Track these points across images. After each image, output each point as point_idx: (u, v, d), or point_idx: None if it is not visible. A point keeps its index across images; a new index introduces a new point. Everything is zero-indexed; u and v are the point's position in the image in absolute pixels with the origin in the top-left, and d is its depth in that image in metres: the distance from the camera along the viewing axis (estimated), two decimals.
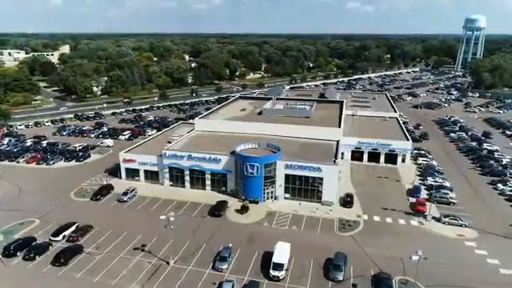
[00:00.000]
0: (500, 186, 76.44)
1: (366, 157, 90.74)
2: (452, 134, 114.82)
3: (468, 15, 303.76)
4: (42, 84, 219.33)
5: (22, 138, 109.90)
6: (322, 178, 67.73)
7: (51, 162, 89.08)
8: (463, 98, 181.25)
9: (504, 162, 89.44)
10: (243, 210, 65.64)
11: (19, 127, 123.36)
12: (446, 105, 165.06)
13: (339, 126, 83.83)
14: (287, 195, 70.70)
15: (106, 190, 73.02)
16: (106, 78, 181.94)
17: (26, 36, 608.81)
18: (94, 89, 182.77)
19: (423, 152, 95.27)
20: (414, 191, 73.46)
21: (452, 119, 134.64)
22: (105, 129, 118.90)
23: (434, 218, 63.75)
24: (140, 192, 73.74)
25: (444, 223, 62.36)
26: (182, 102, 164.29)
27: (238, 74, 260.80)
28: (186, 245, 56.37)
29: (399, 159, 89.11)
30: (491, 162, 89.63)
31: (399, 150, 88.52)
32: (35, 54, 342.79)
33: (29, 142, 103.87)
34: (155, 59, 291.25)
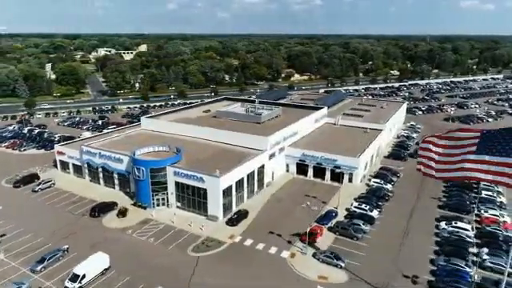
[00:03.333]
0: (442, 224, 60.50)
1: (310, 171, 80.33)
2: None
3: None
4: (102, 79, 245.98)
5: (29, 125, 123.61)
6: (206, 190, 62.10)
7: (22, 149, 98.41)
8: None
9: (483, 195, 70.77)
10: (120, 214, 63.66)
11: (38, 116, 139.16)
12: (490, 119, 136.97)
13: (269, 135, 75.45)
14: (179, 204, 66.46)
15: (29, 178, 77.81)
16: (141, 75, 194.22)
17: (142, 36, 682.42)
18: (136, 85, 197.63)
19: (385, 172, 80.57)
20: (323, 217, 62.70)
21: None
22: (99, 122, 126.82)
23: (317, 250, 53.51)
24: (59, 184, 76.78)
25: (318, 259, 51.85)
26: (197, 100, 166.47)
27: (283, 75, 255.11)
28: (36, 241, 56.92)
29: (346, 177, 76.92)
30: (466, 193, 71.69)
31: (345, 168, 76.30)
32: (116, 52, 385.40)
33: (26, 130, 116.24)
34: (218, 58, 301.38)
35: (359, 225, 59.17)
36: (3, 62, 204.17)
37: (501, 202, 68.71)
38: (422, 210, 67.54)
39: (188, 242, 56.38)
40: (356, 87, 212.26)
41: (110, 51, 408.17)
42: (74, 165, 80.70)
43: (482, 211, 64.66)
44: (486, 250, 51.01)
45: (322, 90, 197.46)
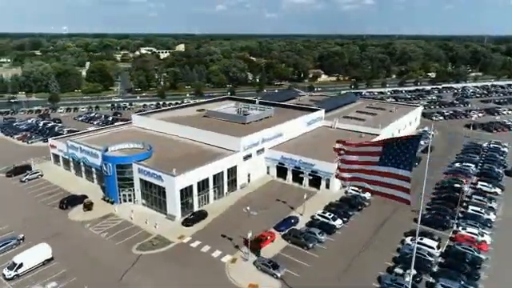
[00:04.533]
0: (407, 240, 55.88)
1: (290, 175, 77.70)
2: (457, 165, 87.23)
3: None
4: None
5: (47, 119, 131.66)
6: (165, 188, 62.19)
7: (29, 141, 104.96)
8: None
9: (469, 210, 64.27)
10: (85, 207, 65.50)
11: (59, 110, 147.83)
12: None
13: (241, 136, 73.93)
14: (144, 201, 67.17)
15: (21, 169, 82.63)
16: (164, 74, 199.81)
17: (192, 36, 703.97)
18: (161, 83, 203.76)
19: None
20: (282, 223, 60.28)
21: (491, 146, 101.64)
22: (110, 118, 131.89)
23: (258, 257, 51.50)
24: (46, 176, 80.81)
25: (257, 267, 49.87)
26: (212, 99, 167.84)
27: (311, 75, 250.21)
28: (1, 228, 60.16)
29: (323, 183, 73.48)
30: (451, 207, 65.37)
31: (322, 173, 72.81)
32: (157, 50, 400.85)
33: (41, 123, 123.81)
34: (252, 58, 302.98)
35: (314, 234, 56.12)
36: (43, 60, 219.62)
37: (487, 219, 61.88)
38: (394, 222, 62.70)
39: (137, 240, 56.70)
40: (382, 89, 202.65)
41: (150, 50, 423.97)
42: (63, 158, 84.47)
43: (460, 228, 58.67)
44: (414, 271, 45.97)
45: (343, 92, 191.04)
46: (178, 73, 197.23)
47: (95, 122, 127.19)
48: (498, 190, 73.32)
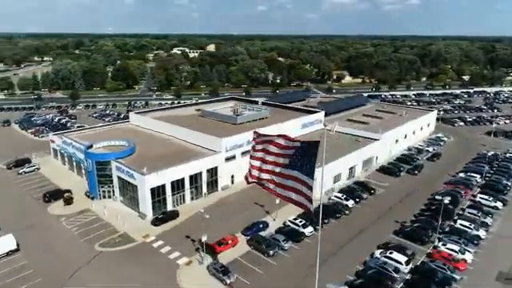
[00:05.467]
0: (377, 253, 52.09)
1: None
2: (461, 175, 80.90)
3: None
4: None
5: (64, 115, 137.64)
6: (137, 187, 62.43)
7: (40, 135, 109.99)
8: None
9: (457, 225, 59.14)
10: (65, 202, 67.15)
11: (78, 107, 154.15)
12: None
13: (222, 137, 72.72)
14: (121, 198, 67.86)
15: (21, 162, 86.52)
16: (185, 74, 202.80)
17: (228, 36, 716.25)
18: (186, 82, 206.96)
19: (355, 187, 72.14)
20: (249, 228, 58.49)
21: (507, 155, 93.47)
22: (122, 116, 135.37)
23: (213, 262, 50.24)
24: (43, 169, 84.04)
25: (209, 272, 48.58)
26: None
27: (335, 77, 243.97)
28: None
29: None
30: (437, 219, 60.43)
31: None
32: (189, 50, 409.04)
33: (56, 119, 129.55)
34: (280, 59, 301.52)
35: (278, 240, 53.91)
36: (73, 59, 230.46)
37: (475, 235, 56.45)
38: (371, 233, 58.97)
39: (103, 236, 57.16)
40: (406, 92, 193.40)
41: (183, 50, 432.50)
42: (60, 152, 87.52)
43: (441, 244, 53.98)
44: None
45: (365, 94, 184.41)
46: (198, 72, 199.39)
47: (107, 119, 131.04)
48: (499, 204, 66.92)
